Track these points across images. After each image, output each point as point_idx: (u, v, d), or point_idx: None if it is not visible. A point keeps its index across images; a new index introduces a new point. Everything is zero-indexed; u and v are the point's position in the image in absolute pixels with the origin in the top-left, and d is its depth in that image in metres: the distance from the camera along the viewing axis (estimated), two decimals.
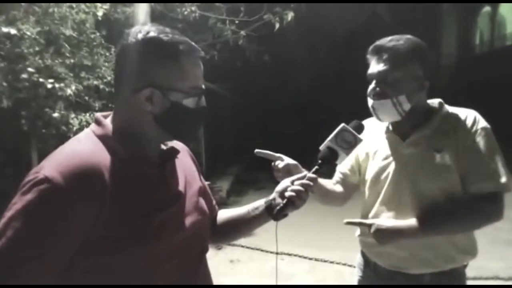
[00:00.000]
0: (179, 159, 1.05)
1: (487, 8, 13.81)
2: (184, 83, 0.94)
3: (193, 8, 5.65)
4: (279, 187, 1.16)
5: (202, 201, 1.09)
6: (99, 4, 4.14)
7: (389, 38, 1.40)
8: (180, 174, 1.05)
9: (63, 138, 3.33)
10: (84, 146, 0.91)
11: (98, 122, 0.97)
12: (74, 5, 3.88)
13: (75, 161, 0.85)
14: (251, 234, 1.33)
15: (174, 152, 1.04)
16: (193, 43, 0.97)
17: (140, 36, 0.93)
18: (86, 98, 3.96)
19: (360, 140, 1.22)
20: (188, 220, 1.00)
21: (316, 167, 1.17)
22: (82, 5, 3.96)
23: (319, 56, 12.02)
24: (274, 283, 1.35)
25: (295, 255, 3.99)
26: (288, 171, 1.36)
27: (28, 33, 3.30)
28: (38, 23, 3.61)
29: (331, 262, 3.88)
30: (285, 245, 3.97)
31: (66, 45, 3.76)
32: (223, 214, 1.25)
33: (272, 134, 11.13)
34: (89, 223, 0.84)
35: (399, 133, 1.46)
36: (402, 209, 1.41)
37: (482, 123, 1.38)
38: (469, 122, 1.38)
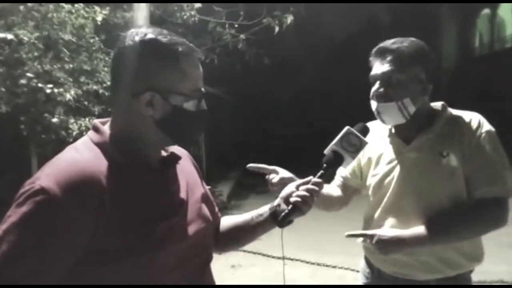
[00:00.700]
0: (180, 165, 1.02)
1: (486, 10, 13.83)
2: (184, 85, 0.91)
3: (192, 13, 5.65)
4: (283, 193, 1.13)
5: (205, 208, 1.06)
6: (98, 9, 4.14)
7: (393, 40, 1.38)
8: (182, 180, 1.02)
9: (63, 143, 3.31)
10: (81, 154, 0.88)
11: (96, 129, 0.94)
12: (73, 9, 3.88)
13: (72, 170, 0.82)
14: None
15: (175, 158, 1.01)
16: (191, 44, 0.94)
17: (137, 38, 0.90)
18: (86, 103, 3.95)
19: (366, 143, 1.19)
20: (192, 228, 0.97)
21: (321, 171, 1.14)
22: (81, 10, 3.96)
23: (319, 59, 12.03)
24: None
25: (298, 260, 3.95)
26: (283, 185, 1.31)
27: (26, 38, 3.29)
28: (37, 28, 3.60)
29: (334, 267, 3.84)
30: (287, 250, 3.88)
31: (65, 50, 3.75)
32: (226, 221, 1.22)
33: (272, 137, 11.13)
34: (88, 234, 0.81)
35: (402, 137, 1.43)
36: (405, 214, 1.39)
37: (487, 126, 1.36)
38: (473, 126, 1.35)
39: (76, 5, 3.98)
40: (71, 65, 3.79)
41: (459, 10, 13.46)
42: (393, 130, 1.46)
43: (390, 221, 1.42)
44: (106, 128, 0.94)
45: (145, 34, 0.90)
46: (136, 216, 0.87)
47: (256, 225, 1.14)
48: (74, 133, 3.57)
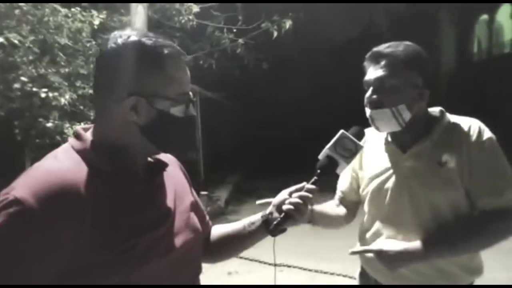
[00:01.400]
0: (167, 173, 0.98)
1: (484, 16, 13.87)
2: (170, 89, 0.87)
3: (190, 17, 5.64)
4: (276, 200, 1.10)
5: (194, 217, 1.02)
6: (95, 13, 4.13)
7: (387, 44, 1.33)
8: (170, 189, 0.98)
9: (58, 147, 3.27)
10: (60, 162, 0.83)
11: (77, 136, 0.90)
12: (70, 13, 3.86)
13: (49, 179, 0.78)
14: None
15: (162, 165, 0.97)
16: (178, 47, 0.90)
17: (120, 40, 0.86)
18: (81, 107, 3.93)
19: (361, 147, 1.15)
20: (179, 240, 0.93)
21: (315, 177, 1.10)
22: (78, 14, 3.95)
23: (317, 63, 12.03)
24: None
25: (295, 267, 3.90)
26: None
27: (16, 41, 3.25)
28: (32, 31, 3.58)
29: (331, 274, 3.80)
30: (285, 256, 3.88)
31: (61, 54, 3.73)
32: (217, 230, 1.17)
33: (271, 142, 11.10)
34: (68, 247, 0.77)
35: (399, 145, 1.38)
36: (403, 226, 1.34)
37: (487, 133, 1.30)
38: (473, 133, 1.29)
39: (73, 9, 3.97)
40: (67, 69, 3.77)
41: (458, 16, 13.49)
42: (389, 137, 1.41)
43: (388, 232, 1.37)
44: (89, 135, 0.90)
45: (129, 37, 0.86)
46: (120, 228, 0.83)
47: (249, 234, 1.10)
48: (69, 137, 3.54)
